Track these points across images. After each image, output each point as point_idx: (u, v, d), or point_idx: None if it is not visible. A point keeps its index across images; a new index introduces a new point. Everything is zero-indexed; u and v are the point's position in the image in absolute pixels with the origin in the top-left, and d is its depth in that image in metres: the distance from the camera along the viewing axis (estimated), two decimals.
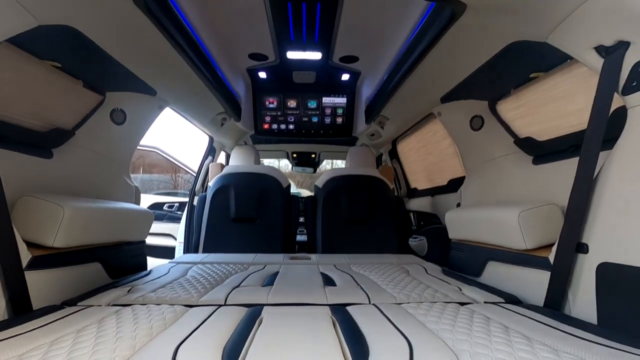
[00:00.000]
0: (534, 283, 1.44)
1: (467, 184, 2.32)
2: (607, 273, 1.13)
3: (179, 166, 5.11)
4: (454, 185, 2.59)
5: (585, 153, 1.21)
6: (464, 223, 2.05)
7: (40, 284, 1.35)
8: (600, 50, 1.17)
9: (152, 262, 2.39)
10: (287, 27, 2.20)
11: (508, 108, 1.96)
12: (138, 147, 2.28)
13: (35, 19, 1.20)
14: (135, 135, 2.19)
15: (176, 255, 3.48)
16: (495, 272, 1.75)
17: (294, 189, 6.64)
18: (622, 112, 1.16)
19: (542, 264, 1.41)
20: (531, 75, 1.68)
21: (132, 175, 2.28)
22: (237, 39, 2.35)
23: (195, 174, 3.62)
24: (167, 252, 4.05)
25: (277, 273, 1.88)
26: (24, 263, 1.27)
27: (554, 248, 1.33)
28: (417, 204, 3.35)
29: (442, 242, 2.54)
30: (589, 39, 1.18)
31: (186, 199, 4.29)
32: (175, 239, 4.09)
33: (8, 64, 1.41)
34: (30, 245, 1.35)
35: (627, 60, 1.09)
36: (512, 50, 1.50)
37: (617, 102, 1.17)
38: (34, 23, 1.21)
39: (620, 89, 1.13)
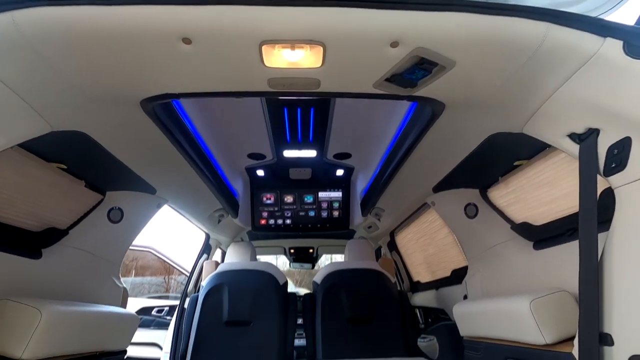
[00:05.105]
0: None
1: (471, 274, 2.23)
2: None
3: (173, 267, 4.94)
4: (458, 275, 2.49)
5: (583, 237, 1.19)
6: (474, 317, 1.90)
7: None
8: (573, 137, 1.25)
9: None
10: (283, 128, 2.39)
11: (499, 195, 2.00)
12: (132, 248, 2.25)
13: (50, 125, 1.29)
14: (131, 233, 2.17)
15: None
16: None
17: (292, 288, 6.36)
18: (611, 192, 1.18)
19: None
20: (515, 164, 1.76)
21: (123, 279, 2.20)
22: (236, 140, 2.52)
23: (188, 275, 3.48)
24: None
25: None
26: None
27: (576, 342, 1.21)
28: (422, 299, 3.16)
29: (455, 340, 2.32)
30: (561, 128, 1.27)
31: (177, 302, 4.05)
32: (162, 348, 3.71)
33: (16, 167, 1.47)
34: None
35: (601, 145, 1.16)
36: (493, 141, 1.60)
37: (605, 182, 1.20)
38: (47, 129, 1.30)
39: (601, 171, 1.18)
